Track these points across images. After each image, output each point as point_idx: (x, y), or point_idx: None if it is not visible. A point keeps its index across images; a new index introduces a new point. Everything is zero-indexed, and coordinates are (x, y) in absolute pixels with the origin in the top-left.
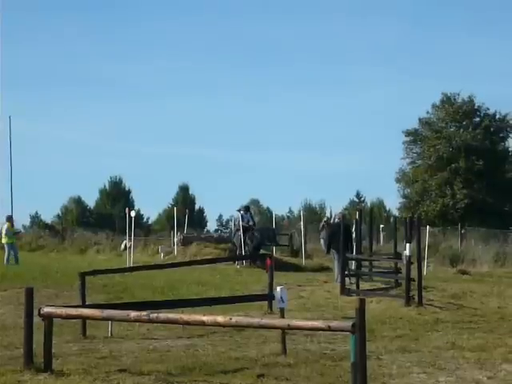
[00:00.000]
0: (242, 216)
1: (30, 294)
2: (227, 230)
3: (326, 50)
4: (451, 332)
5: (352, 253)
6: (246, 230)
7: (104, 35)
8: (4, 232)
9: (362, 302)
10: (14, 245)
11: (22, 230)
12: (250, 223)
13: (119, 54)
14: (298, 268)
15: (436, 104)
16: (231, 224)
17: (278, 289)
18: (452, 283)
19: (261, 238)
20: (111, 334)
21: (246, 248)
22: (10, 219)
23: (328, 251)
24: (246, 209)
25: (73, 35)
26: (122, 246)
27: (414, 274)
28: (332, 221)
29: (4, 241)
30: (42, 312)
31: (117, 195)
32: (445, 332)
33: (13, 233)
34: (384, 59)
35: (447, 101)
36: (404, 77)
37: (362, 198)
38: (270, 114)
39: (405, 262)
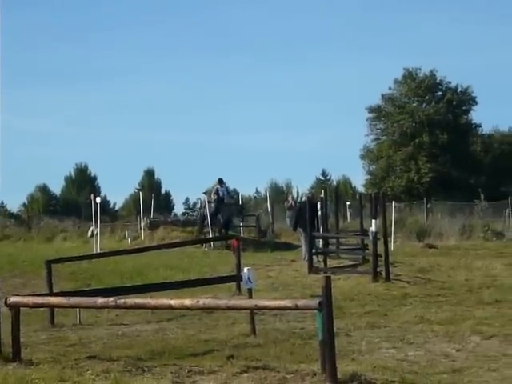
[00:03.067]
0: (217, 189)
1: None
2: (194, 213)
3: (284, 30)
4: (419, 306)
5: (319, 231)
6: (220, 203)
7: (57, 20)
8: None
9: (328, 280)
10: None
11: None
12: (226, 197)
13: (78, 38)
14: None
15: (398, 79)
16: (198, 206)
17: (245, 269)
18: (419, 257)
19: (228, 215)
20: (80, 322)
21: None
22: None
23: (294, 229)
24: (220, 181)
25: (25, 22)
26: (89, 233)
27: (380, 249)
28: (299, 200)
29: None
30: (8, 302)
31: (82, 182)
32: (413, 306)
33: None
34: (344, 38)
35: (409, 76)
36: (365, 54)
37: (328, 176)
38: (232, 94)
39: (371, 238)
